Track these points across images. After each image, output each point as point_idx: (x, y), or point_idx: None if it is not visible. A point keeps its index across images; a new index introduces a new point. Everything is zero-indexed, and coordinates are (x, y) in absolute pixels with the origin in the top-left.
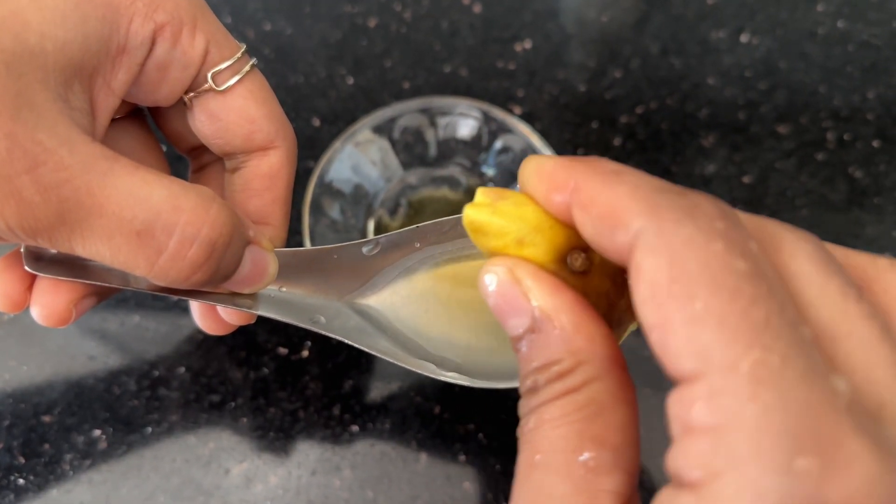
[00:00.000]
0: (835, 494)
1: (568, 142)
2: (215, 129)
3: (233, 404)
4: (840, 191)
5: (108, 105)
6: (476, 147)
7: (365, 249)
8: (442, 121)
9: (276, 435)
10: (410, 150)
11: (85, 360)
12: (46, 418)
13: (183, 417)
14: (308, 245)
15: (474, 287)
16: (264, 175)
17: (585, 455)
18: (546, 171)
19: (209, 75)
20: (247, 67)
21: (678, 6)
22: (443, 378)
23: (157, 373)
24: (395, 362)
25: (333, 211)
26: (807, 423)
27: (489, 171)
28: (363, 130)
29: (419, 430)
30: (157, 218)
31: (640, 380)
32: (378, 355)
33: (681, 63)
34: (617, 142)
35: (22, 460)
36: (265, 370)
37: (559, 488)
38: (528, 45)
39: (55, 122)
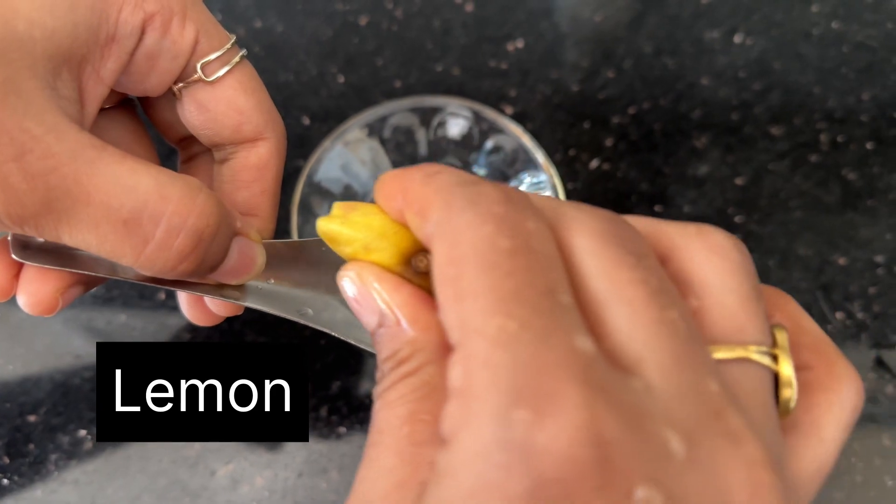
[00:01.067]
0: (541, 438)
1: (560, 142)
2: (204, 120)
3: None
4: (834, 193)
5: (96, 94)
6: (467, 147)
7: None
8: (433, 120)
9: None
10: (401, 149)
11: (71, 360)
12: (32, 418)
13: None
14: None
15: None
16: (253, 166)
17: (412, 430)
18: (386, 180)
19: (198, 66)
20: (236, 58)
21: (672, 6)
22: None
23: None
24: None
25: (322, 211)
26: (529, 380)
27: (480, 171)
28: (353, 129)
29: None
30: (144, 207)
31: None
32: (366, 349)
33: (674, 63)
34: (609, 142)
35: (6, 460)
36: None
37: (387, 461)
38: (520, 44)
39: (43, 110)
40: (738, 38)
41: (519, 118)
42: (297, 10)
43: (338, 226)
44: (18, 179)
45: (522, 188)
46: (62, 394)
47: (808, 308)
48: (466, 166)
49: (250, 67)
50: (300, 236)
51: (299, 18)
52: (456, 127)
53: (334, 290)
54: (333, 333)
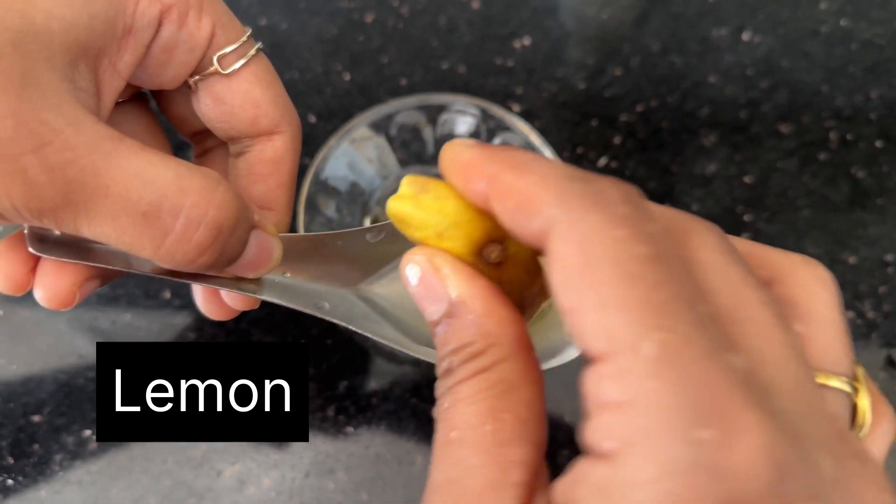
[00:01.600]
0: (734, 460)
1: (567, 140)
2: (220, 113)
3: None
4: (842, 191)
5: (113, 86)
6: None
7: (369, 237)
8: (440, 118)
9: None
10: (407, 147)
11: (75, 360)
12: (36, 418)
13: None
14: None
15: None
16: (269, 160)
17: (495, 428)
18: (463, 161)
19: (215, 58)
20: (252, 51)
21: (679, 3)
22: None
23: None
24: (400, 349)
25: (329, 209)
26: (706, 397)
27: None
28: (360, 127)
29: (415, 431)
30: (163, 199)
31: None
32: (382, 342)
33: (681, 61)
34: (617, 140)
35: (10, 461)
36: None
37: (472, 460)
38: (526, 41)
39: (61, 102)
40: (745, 36)
41: (526, 116)
42: (302, 7)
43: (410, 208)
44: (37, 172)
45: None
46: (66, 394)
47: None
48: None
49: (266, 60)
50: (307, 230)
51: (304, 16)
52: (463, 125)
53: (350, 284)
54: (350, 327)
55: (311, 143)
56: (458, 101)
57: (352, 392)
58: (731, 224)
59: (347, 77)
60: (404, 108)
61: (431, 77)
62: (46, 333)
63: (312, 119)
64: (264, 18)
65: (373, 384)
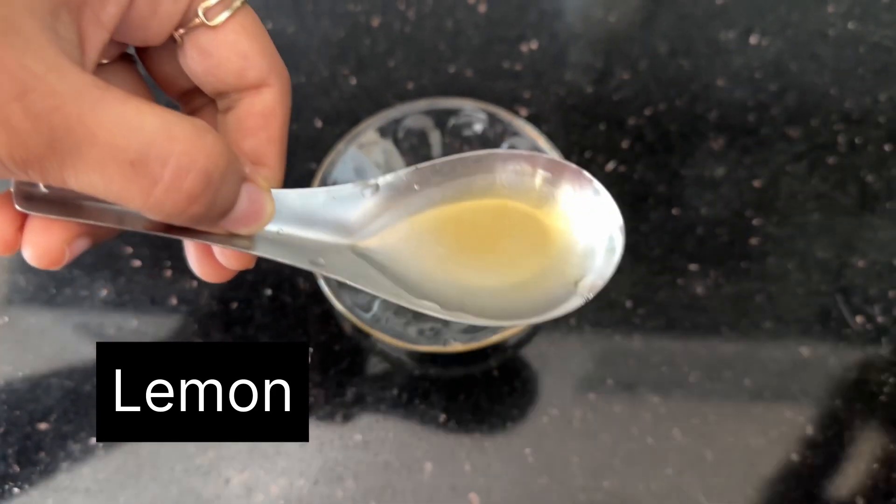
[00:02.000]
0: None
1: (575, 144)
2: (207, 66)
3: None
4: (851, 195)
5: (97, 39)
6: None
7: (364, 192)
8: (448, 122)
9: (277, 443)
10: (415, 151)
11: (81, 366)
12: (42, 426)
13: None
14: None
15: (476, 228)
16: (258, 114)
17: None
18: None
19: (200, 10)
20: (237, 2)
21: (686, 6)
22: (446, 317)
23: None
24: (399, 302)
25: None
26: None
27: None
28: (367, 132)
29: (424, 438)
30: (151, 147)
31: (647, 387)
32: (381, 296)
33: (689, 64)
34: (625, 144)
35: (17, 468)
36: None
37: None
38: (534, 45)
39: (44, 49)
40: (753, 39)
41: (533, 120)
42: (308, 11)
43: None
44: (21, 119)
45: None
46: (72, 401)
47: (829, 312)
48: None
49: (252, 12)
50: None
51: (310, 20)
52: (471, 129)
53: (345, 240)
54: (348, 282)
55: (317, 147)
56: (467, 105)
57: (360, 399)
58: (741, 228)
59: (354, 81)
60: (411, 113)
61: (438, 81)
62: (52, 340)
63: (319, 123)
64: (270, 22)
65: (381, 391)
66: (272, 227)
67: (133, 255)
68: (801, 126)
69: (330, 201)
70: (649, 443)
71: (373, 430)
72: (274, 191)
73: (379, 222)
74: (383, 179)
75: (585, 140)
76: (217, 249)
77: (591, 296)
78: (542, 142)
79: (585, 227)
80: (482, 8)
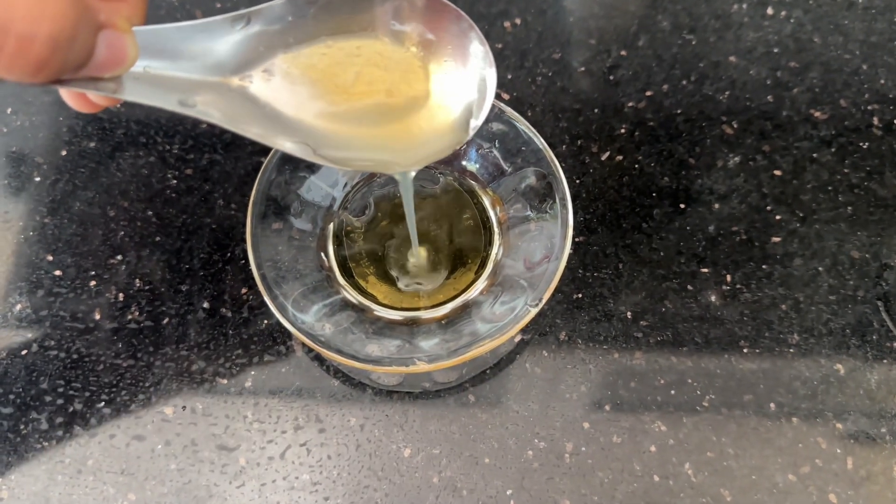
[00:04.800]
0: None
1: (565, 131)
2: None
3: None
4: (890, 185)
5: None
6: None
7: (234, 24)
8: None
9: (208, 485)
10: None
11: None
12: None
13: None
14: (251, 255)
15: (352, 67)
16: None
17: None
18: None
19: None
20: None
21: None
22: (317, 160)
23: None
24: (271, 145)
25: (285, 214)
26: None
27: (471, 166)
28: None
29: (384, 478)
30: None
31: (652, 413)
32: (252, 138)
33: (696, 39)
34: (623, 130)
35: None
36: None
37: None
38: (517, 21)
39: None
40: (769, 10)
41: (516, 105)
42: None
43: None
44: None
45: (524, 185)
46: None
47: (869, 322)
48: (455, 160)
49: None
50: (254, 241)
51: None
52: None
53: (219, 73)
54: (219, 124)
55: None
56: None
57: (310, 429)
58: (760, 225)
59: None
60: None
61: None
62: None
63: None
64: (218, 2)
65: (337, 420)
66: (138, 66)
67: (53, 263)
68: (829, 107)
69: (198, 35)
70: (655, 481)
71: (324, 468)
72: (137, 29)
73: (251, 56)
74: (255, 11)
75: (577, 126)
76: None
77: (475, 128)
78: (524, 128)
79: (461, 66)
80: None
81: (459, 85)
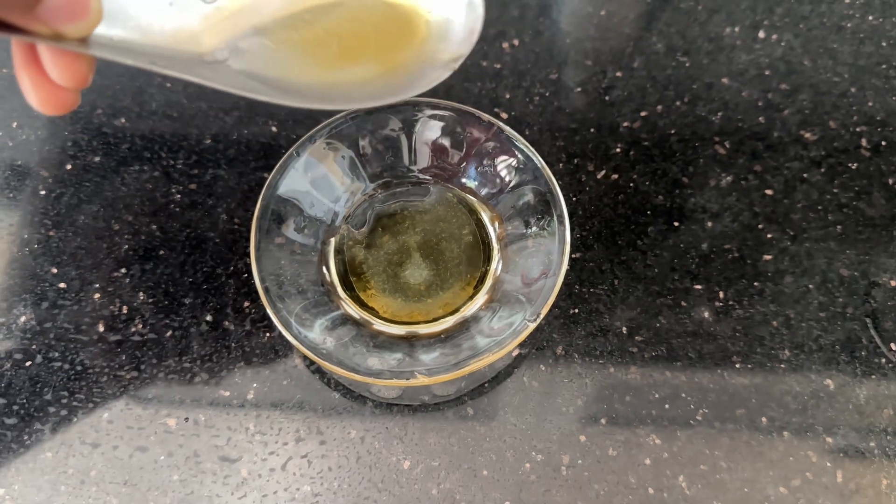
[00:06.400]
0: None
1: (562, 150)
2: None
3: None
4: (878, 204)
5: None
6: (455, 156)
7: None
8: (416, 126)
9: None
10: (380, 158)
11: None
12: None
13: None
14: (255, 269)
15: (332, 17)
16: None
17: None
18: None
19: None
20: None
21: None
22: (310, 105)
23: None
24: (255, 97)
25: (287, 228)
26: None
27: (469, 182)
28: (324, 136)
29: (384, 490)
30: None
31: (647, 427)
32: (233, 92)
33: (690, 61)
34: (618, 150)
35: None
36: None
37: None
38: (515, 42)
39: None
40: (761, 34)
41: (514, 124)
42: None
43: None
44: None
45: (522, 203)
46: None
47: (858, 339)
48: (454, 176)
49: None
50: (258, 255)
51: None
52: (440, 132)
53: (194, 45)
54: (193, 80)
55: (271, 154)
56: (439, 106)
57: (311, 442)
58: (752, 243)
59: None
60: (375, 115)
61: None
62: None
63: (273, 128)
64: None
65: (337, 433)
66: (107, 33)
67: (57, 276)
68: (818, 128)
69: (169, 7)
70: (650, 494)
71: (324, 480)
72: None
73: (227, 24)
74: None
75: (573, 146)
76: (49, 62)
77: (456, 66)
78: (523, 147)
79: (443, 5)
80: None
81: (447, 14)
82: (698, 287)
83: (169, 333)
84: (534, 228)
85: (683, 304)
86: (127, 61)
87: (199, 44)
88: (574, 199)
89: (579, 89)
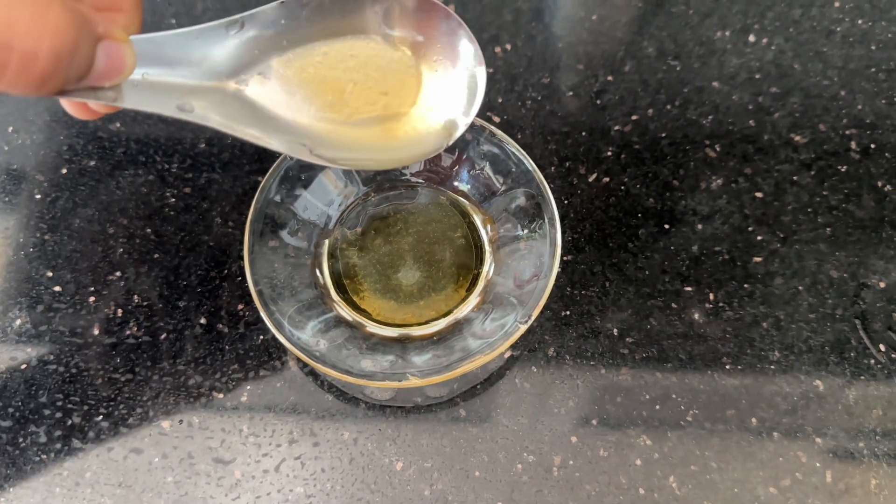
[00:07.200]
0: None
1: (553, 153)
2: None
3: None
4: (867, 206)
5: None
6: (447, 159)
7: (228, 29)
8: None
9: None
10: None
11: None
12: None
13: None
14: (249, 272)
15: (347, 66)
16: None
17: None
18: None
19: None
20: None
21: (677, 3)
22: (314, 160)
23: None
24: (268, 147)
25: (281, 232)
26: None
27: (464, 186)
28: None
29: (377, 491)
30: None
31: (638, 428)
32: (250, 140)
33: (681, 65)
34: (610, 153)
35: None
36: None
37: None
38: (508, 46)
39: None
40: (751, 38)
41: (506, 128)
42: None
43: None
44: None
45: (514, 205)
46: None
47: (847, 340)
48: (447, 180)
49: None
50: (252, 258)
51: None
52: None
53: (216, 77)
54: (216, 126)
55: (264, 157)
56: None
57: (304, 443)
58: (742, 245)
59: None
60: None
61: None
62: None
63: None
64: None
65: (331, 434)
66: (136, 74)
67: (53, 279)
68: (808, 131)
69: (193, 41)
70: (641, 494)
71: (318, 481)
72: (134, 38)
73: (247, 60)
74: (249, 16)
75: (565, 149)
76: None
77: (457, 134)
78: (514, 149)
79: (452, 66)
80: (451, 7)
81: (451, 83)
82: (689, 289)
83: (163, 336)
84: (526, 231)
85: (674, 305)
86: (154, 110)
87: (220, 74)
88: (566, 201)
89: (571, 93)
